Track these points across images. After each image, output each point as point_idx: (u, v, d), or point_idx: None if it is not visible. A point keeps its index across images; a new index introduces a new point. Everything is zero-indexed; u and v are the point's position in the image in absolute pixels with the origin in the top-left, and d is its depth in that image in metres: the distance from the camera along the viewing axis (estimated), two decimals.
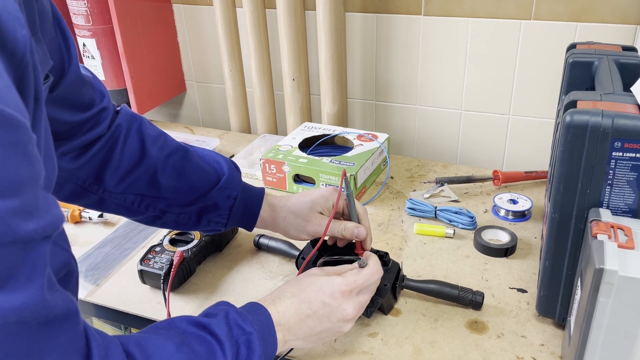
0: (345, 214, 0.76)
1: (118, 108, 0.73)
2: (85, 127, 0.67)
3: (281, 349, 0.60)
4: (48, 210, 0.37)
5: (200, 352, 0.51)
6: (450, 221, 0.94)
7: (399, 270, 0.76)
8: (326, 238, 0.81)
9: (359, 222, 0.74)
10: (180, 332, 0.53)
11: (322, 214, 0.76)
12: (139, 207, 0.73)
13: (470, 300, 0.75)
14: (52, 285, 0.39)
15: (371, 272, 0.66)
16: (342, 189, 0.73)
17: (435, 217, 0.96)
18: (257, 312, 0.59)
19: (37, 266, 0.36)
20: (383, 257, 0.76)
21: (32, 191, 0.36)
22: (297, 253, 0.84)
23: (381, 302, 0.73)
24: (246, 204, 0.76)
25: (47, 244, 0.38)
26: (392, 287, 0.74)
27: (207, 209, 0.74)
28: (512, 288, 0.80)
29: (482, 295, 0.75)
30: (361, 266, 0.66)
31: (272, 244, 0.89)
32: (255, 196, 0.78)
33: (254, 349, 0.55)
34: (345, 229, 0.73)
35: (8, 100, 0.34)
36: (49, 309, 0.37)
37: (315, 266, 0.77)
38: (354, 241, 0.77)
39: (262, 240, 0.89)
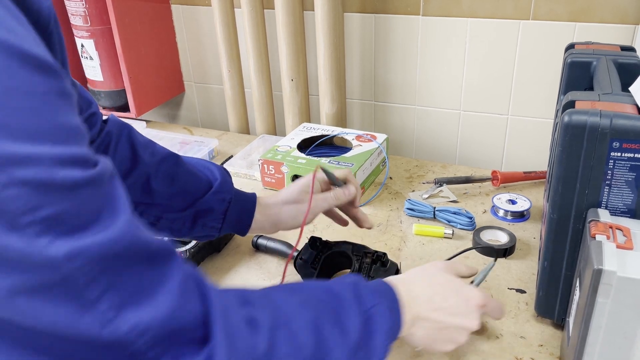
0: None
1: (105, 118, 0.72)
2: None
3: (406, 331, 0.57)
4: (100, 156, 0.38)
5: (327, 314, 0.50)
6: (449, 221, 0.94)
7: (397, 270, 0.76)
8: (326, 238, 0.81)
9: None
10: (307, 293, 0.52)
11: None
12: None
13: None
14: (141, 225, 0.39)
15: (502, 306, 0.66)
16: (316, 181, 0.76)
17: (434, 218, 0.96)
18: (386, 287, 0.57)
19: (118, 203, 0.37)
20: (381, 257, 0.76)
21: (84, 137, 0.37)
22: (295, 254, 0.83)
23: None
24: (240, 207, 0.76)
25: (118, 182, 0.38)
26: None
27: (201, 213, 0.74)
28: (510, 288, 0.79)
29: None
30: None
31: (271, 244, 0.88)
32: (248, 199, 0.77)
33: (380, 322, 0.53)
34: (337, 195, 0.76)
35: (44, 53, 0.35)
36: (145, 242, 0.38)
37: (314, 267, 0.78)
38: (352, 241, 0.77)
39: (261, 241, 0.89)
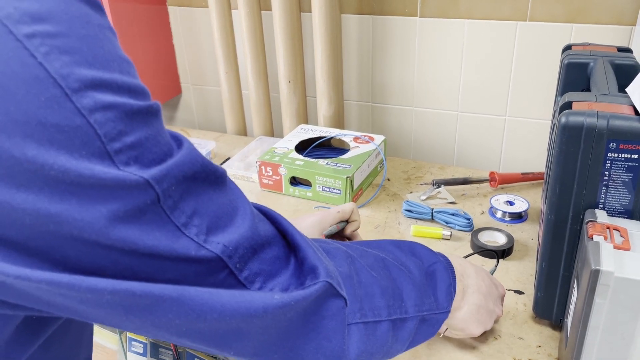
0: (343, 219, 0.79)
1: None
2: None
3: (457, 303, 0.59)
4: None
5: (390, 261, 0.54)
6: (447, 223, 0.94)
7: None
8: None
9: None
10: (365, 246, 0.55)
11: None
12: None
13: None
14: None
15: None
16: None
17: (432, 219, 0.96)
18: (443, 255, 0.61)
19: (174, 131, 0.39)
20: None
21: (136, 72, 0.38)
22: None
23: None
24: None
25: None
26: None
27: None
28: (509, 290, 0.79)
29: None
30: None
31: None
32: None
33: (440, 277, 0.57)
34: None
35: None
36: (209, 163, 0.39)
37: None
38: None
39: None
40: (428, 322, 0.55)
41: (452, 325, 0.63)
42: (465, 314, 0.61)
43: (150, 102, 0.36)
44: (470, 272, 0.63)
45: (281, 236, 0.44)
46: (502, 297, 0.69)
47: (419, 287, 0.54)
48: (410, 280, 0.53)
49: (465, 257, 0.84)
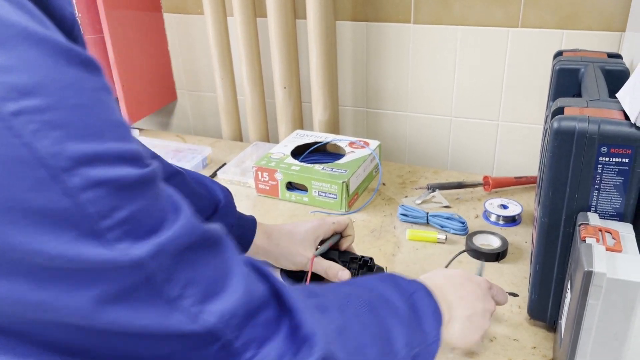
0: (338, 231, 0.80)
1: None
2: None
3: (446, 323, 0.58)
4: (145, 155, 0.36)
5: (376, 299, 0.52)
6: (442, 227, 0.95)
7: None
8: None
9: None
10: (349, 284, 0.54)
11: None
12: None
13: None
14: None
15: (502, 289, 0.70)
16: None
17: (427, 223, 0.97)
18: (412, 279, 0.59)
19: (175, 196, 0.36)
20: (367, 262, 0.76)
21: (132, 134, 0.35)
22: None
23: None
24: (241, 232, 0.76)
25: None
26: None
27: None
28: None
29: None
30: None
31: None
32: (248, 224, 0.77)
33: (424, 306, 0.55)
34: (330, 269, 0.76)
35: (83, 49, 0.34)
36: (206, 231, 0.37)
37: (300, 273, 0.78)
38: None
39: None
40: (421, 357, 0.53)
41: (451, 344, 0.61)
42: (458, 329, 0.60)
43: (145, 170, 0.34)
44: (447, 284, 0.62)
45: (273, 295, 0.41)
46: (489, 289, 0.67)
47: (407, 322, 0.52)
48: (397, 318, 0.52)
49: (456, 255, 0.85)
